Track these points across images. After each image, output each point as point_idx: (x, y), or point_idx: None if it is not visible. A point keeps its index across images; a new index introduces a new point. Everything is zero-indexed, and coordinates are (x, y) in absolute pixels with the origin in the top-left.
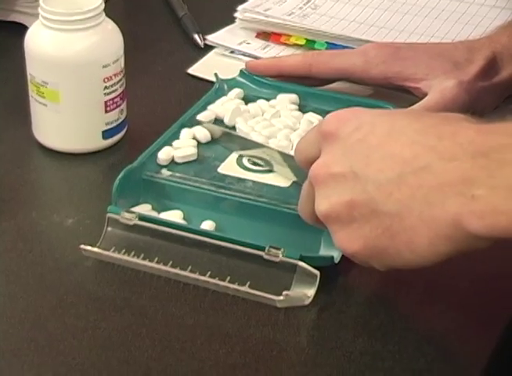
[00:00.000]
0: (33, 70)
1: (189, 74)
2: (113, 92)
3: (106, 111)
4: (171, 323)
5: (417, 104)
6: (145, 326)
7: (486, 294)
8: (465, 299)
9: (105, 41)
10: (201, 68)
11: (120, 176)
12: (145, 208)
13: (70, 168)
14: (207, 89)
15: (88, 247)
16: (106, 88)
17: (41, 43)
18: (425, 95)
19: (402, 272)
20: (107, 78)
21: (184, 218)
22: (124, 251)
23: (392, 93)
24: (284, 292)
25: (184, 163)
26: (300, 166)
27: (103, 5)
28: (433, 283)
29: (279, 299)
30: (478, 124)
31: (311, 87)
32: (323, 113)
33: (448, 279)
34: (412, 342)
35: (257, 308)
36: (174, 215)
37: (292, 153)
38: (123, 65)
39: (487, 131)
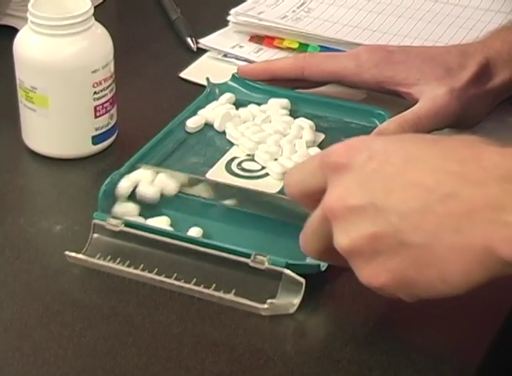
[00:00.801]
0: (22, 75)
1: (181, 78)
2: (103, 97)
3: (96, 116)
4: (157, 331)
5: (409, 111)
6: (131, 334)
7: (475, 302)
8: (454, 308)
9: (94, 46)
10: (193, 72)
11: (106, 182)
12: (132, 212)
13: (59, 174)
14: (199, 93)
15: (73, 254)
16: (95, 93)
17: (30, 48)
18: (416, 100)
19: None
20: (96, 83)
21: (171, 225)
22: (109, 257)
23: (385, 97)
24: (269, 300)
25: (172, 168)
26: (292, 198)
27: (92, 10)
28: None
29: (263, 307)
30: (498, 146)
31: (304, 89)
32: (314, 118)
33: None
34: (400, 351)
35: (244, 316)
36: (161, 222)
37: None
38: (113, 70)
39: (511, 153)
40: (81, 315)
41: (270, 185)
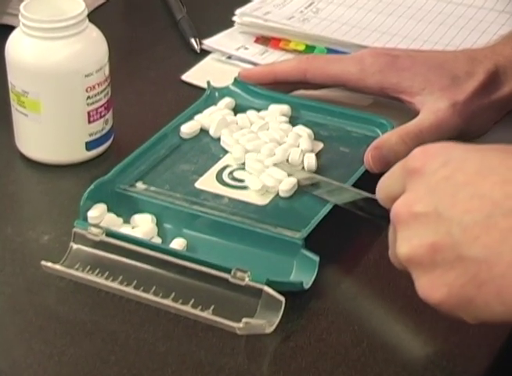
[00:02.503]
0: (13, 78)
1: (182, 81)
2: (97, 101)
3: (90, 122)
4: (142, 349)
5: (411, 123)
6: (114, 352)
7: (471, 325)
8: (449, 331)
9: (87, 50)
10: (195, 74)
11: (89, 189)
12: (116, 222)
13: (51, 181)
14: (199, 97)
15: (50, 264)
16: (88, 97)
17: (22, 51)
18: (417, 110)
19: (386, 299)
20: (90, 88)
21: (158, 234)
22: (88, 268)
23: (391, 103)
24: (244, 319)
25: (161, 176)
26: (382, 204)
27: (86, 12)
28: (418, 312)
29: (238, 326)
30: None
31: (307, 90)
32: (314, 126)
33: (434, 309)
34: (392, 374)
35: (231, 335)
36: (145, 220)
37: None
38: (107, 74)
39: None
40: (64, 331)
41: (260, 196)
